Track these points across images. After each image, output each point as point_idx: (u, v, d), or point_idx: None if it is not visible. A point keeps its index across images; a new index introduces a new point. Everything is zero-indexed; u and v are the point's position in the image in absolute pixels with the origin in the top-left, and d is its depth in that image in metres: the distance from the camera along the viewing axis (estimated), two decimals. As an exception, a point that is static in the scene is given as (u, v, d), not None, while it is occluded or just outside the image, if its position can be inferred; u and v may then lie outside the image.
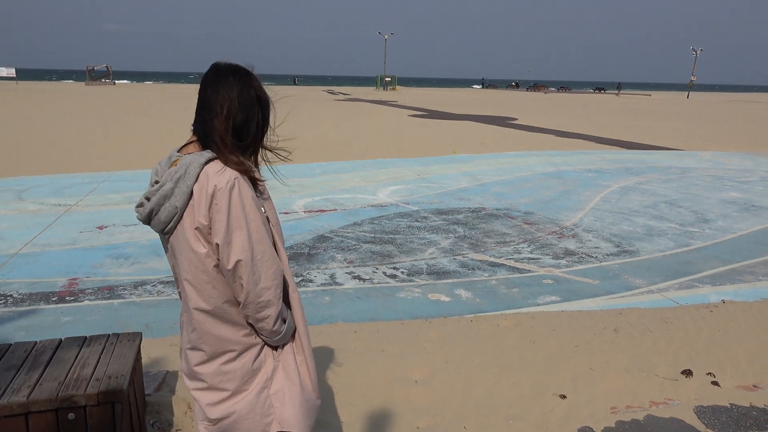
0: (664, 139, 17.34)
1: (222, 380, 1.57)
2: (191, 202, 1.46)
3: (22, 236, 5.81)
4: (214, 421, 1.60)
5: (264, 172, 1.67)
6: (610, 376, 3.12)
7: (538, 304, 4.37)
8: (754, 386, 3.09)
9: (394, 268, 5.13)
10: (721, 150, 14.88)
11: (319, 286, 4.66)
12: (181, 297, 1.62)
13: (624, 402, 2.90)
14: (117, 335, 2.60)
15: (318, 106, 30.82)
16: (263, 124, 1.59)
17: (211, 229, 1.46)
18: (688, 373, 3.17)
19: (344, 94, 51.62)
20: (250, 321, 1.55)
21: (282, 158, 1.67)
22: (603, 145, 15.37)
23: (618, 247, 5.90)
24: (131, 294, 4.40)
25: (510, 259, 5.44)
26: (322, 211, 7.18)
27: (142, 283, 4.63)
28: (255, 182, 1.55)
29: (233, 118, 1.49)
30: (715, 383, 3.09)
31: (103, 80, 59.83)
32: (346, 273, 4.98)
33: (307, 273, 4.96)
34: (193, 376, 1.62)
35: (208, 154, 1.48)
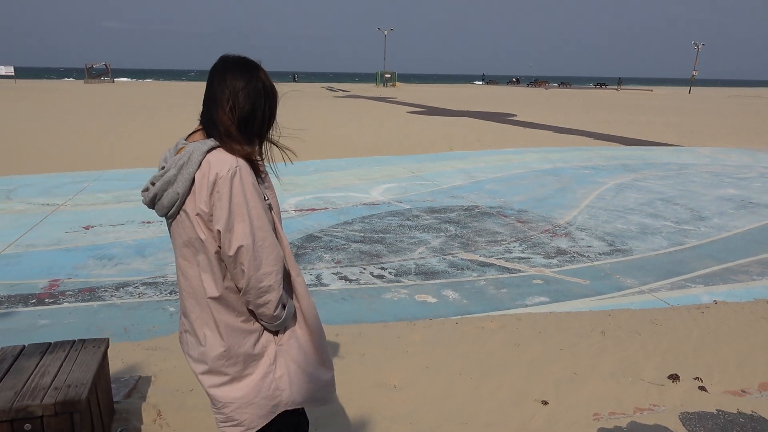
0: (664, 134, 17.22)
1: (223, 364, 1.59)
2: (193, 188, 1.50)
3: (6, 237, 5.74)
4: (219, 405, 1.63)
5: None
6: (595, 381, 3.04)
7: (527, 305, 4.29)
8: (743, 391, 3.00)
9: (382, 269, 5.05)
10: (721, 146, 14.76)
11: (304, 287, 4.58)
12: (180, 283, 1.64)
13: (607, 408, 2.82)
14: (82, 341, 2.53)
15: (315, 103, 30.70)
16: (270, 117, 1.62)
17: (212, 215, 1.49)
18: (674, 377, 3.08)
19: (343, 90, 51.48)
20: (250, 307, 1.57)
21: (288, 157, 1.71)
22: (601, 141, 15.26)
23: (611, 246, 5.81)
24: (112, 296, 4.32)
25: (500, 258, 5.36)
26: (313, 209, 7.10)
27: (124, 285, 4.55)
28: (257, 170, 1.57)
29: (239, 109, 1.53)
30: (702, 388, 3.00)
31: (102, 78, 59.74)
32: (333, 273, 4.90)
33: (293, 273, 4.88)
34: (195, 359, 1.66)
35: (211, 142, 1.52)
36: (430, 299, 4.39)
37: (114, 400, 2.69)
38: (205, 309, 1.58)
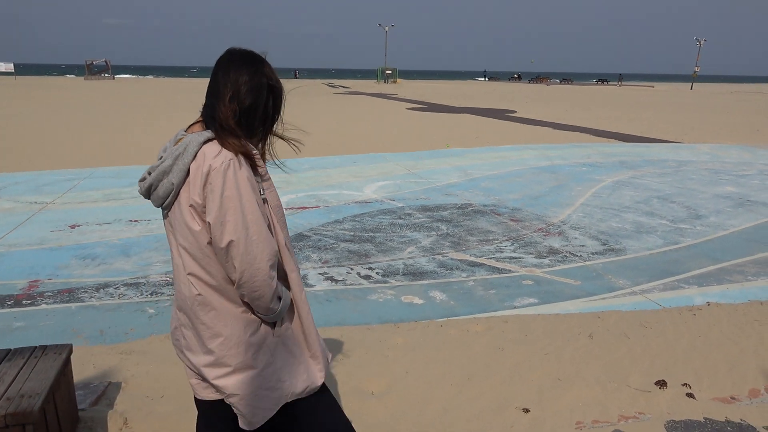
0: (664, 131, 17.07)
1: (224, 355, 1.58)
2: (188, 179, 1.50)
3: (-10, 236, 5.66)
4: (227, 395, 1.61)
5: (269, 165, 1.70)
6: (579, 387, 2.95)
7: (515, 307, 4.19)
8: (732, 398, 2.91)
9: (370, 269, 4.96)
10: (722, 142, 14.62)
11: (288, 287, 4.49)
12: (176, 276, 1.63)
13: (591, 416, 2.72)
14: (44, 348, 2.44)
15: (315, 99, 30.57)
16: (273, 113, 1.61)
17: (204, 207, 1.49)
18: (662, 384, 2.99)
19: (344, 87, 51.31)
20: (245, 299, 1.57)
21: (294, 148, 1.71)
22: (600, 138, 15.13)
23: (604, 245, 5.70)
24: (91, 297, 4.24)
25: (491, 258, 5.26)
26: (304, 208, 7.01)
27: (105, 286, 4.47)
28: (254, 164, 1.55)
29: (240, 102, 1.52)
30: (690, 395, 2.90)
31: (103, 75, 59.67)
32: (319, 274, 4.81)
33: (278, 274, 4.79)
34: (194, 352, 1.64)
35: (208, 133, 1.52)
36: (417, 300, 4.29)
37: (79, 408, 2.60)
38: (205, 296, 1.57)
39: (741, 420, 2.69)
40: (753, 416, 2.71)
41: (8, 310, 3.99)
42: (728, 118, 22.73)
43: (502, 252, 5.44)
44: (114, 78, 61.41)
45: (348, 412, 2.73)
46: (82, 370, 3.04)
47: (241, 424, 1.63)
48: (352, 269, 4.94)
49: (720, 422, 2.68)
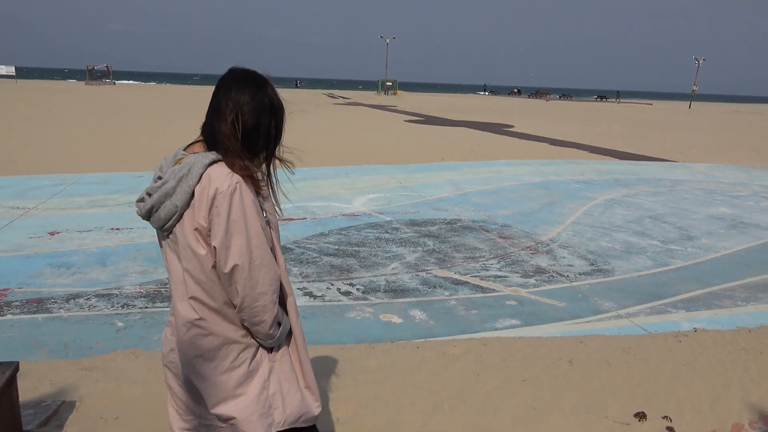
0: (660, 149, 17.03)
1: (220, 380, 1.56)
2: (192, 202, 1.48)
3: (-35, 241, 5.53)
4: (224, 418, 1.59)
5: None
6: (554, 418, 2.82)
7: (496, 329, 4.07)
8: (713, 433, 2.78)
9: (351, 285, 4.84)
10: (718, 162, 14.57)
11: (265, 303, 4.36)
12: (174, 298, 1.60)
13: (565, 449, 2.60)
14: (-13, 366, 2.32)
15: (314, 109, 30.58)
16: (276, 134, 1.59)
17: (210, 231, 1.47)
18: (641, 416, 2.86)
19: (344, 98, 51.41)
20: (245, 324, 1.56)
21: (288, 169, 1.68)
22: (596, 154, 15.07)
23: (592, 265, 5.59)
24: (60, 308, 4.11)
25: (476, 276, 5.14)
26: (291, 219, 6.89)
27: (76, 296, 4.34)
28: (258, 185, 1.56)
29: (242, 123, 1.50)
30: (670, 429, 2.78)
31: (104, 80, 59.78)
32: (298, 289, 4.69)
33: (256, 288, 4.66)
34: (187, 376, 1.62)
35: (212, 155, 1.49)
36: (396, 320, 4.17)
37: (25, 429, 2.47)
38: (205, 320, 1.55)
39: (721, 457, 2.57)
40: (734, 453, 2.58)
41: (-29, 320, 3.86)
42: (725, 138, 22.74)
43: (487, 270, 5.32)
44: (115, 83, 61.52)
45: (310, 439, 2.60)
46: (37, 387, 2.92)
47: None
48: (332, 285, 4.82)
49: (699, 459, 2.55)
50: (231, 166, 1.48)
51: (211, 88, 1.63)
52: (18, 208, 6.94)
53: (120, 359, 3.35)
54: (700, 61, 62.53)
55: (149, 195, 1.57)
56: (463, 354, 3.55)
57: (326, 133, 17.71)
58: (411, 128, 21.20)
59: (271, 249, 1.57)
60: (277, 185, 1.71)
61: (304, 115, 24.27)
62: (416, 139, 17.10)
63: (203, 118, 1.59)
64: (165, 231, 1.56)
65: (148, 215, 1.57)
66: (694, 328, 4.17)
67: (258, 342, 1.61)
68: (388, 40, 65.32)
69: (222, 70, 1.61)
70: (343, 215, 7.22)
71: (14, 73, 49.02)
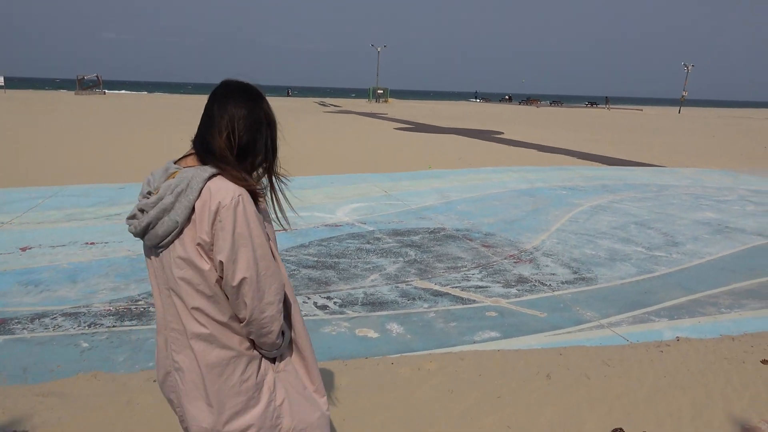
0: (649, 154, 17.05)
1: (229, 395, 1.54)
2: (193, 217, 1.45)
3: (-68, 259, 5.38)
4: None
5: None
6: (529, 437, 2.72)
7: (475, 342, 3.96)
8: (693, 450, 2.69)
9: (328, 298, 4.72)
10: (706, 167, 14.58)
11: (238, 318, 4.24)
12: (164, 318, 1.57)
13: (538, 471, 2.49)
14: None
15: (304, 117, 30.51)
16: (273, 147, 1.59)
17: (213, 245, 1.45)
18: (618, 432, 2.76)
19: (335, 105, 51.41)
20: (251, 337, 1.56)
21: (284, 180, 1.69)
22: (584, 160, 15.06)
23: (576, 273, 5.50)
24: (23, 329, 3.96)
25: (456, 287, 5.04)
26: (271, 231, 6.77)
27: (42, 315, 4.20)
28: (256, 198, 1.54)
29: (239, 137, 1.49)
30: (648, 446, 2.68)
31: (94, 90, 59.52)
32: (274, 303, 4.56)
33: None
34: (191, 399, 1.57)
35: (210, 168, 1.47)
36: (372, 334, 4.06)
37: (-34, 462, 2.34)
38: (205, 338, 1.53)
39: (700, 476, 2.46)
40: (714, 472, 2.49)
41: (-71, 343, 3.72)
42: (713, 142, 22.84)
43: (468, 280, 5.22)
44: (105, 93, 61.25)
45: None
46: (-12, 415, 2.78)
47: None
48: (309, 298, 4.70)
49: (677, 479, 2.45)
50: (231, 179, 1.47)
51: (203, 98, 1.64)
52: (-8, 223, 6.79)
53: (80, 383, 3.22)
54: (689, 67, 63.03)
55: (142, 211, 1.52)
56: (439, 369, 3.45)
57: (315, 141, 17.62)
58: (400, 136, 21.15)
59: None
60: (282, 196, 1.72)
61: (294, 124, 24.18)
62: (404, 147, 17.04)
63: (191, 129, 1.58)
64: (161, 248, 1.51)
65: (144, 232, 1.52)
66: (677, 337, 4.08)
67: (261, 353, 1.61)
68: (379, 49, 65.51)
69: (215, 79, 1.58)
70: (325, 226, 7.11)
71: (3, 84, 48.66)
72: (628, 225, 7.58)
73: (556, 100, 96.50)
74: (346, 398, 3.07)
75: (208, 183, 1.46)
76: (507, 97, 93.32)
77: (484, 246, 6.38)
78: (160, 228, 1.47)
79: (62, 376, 3.34)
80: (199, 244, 1.46)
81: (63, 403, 2.96)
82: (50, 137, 16.74)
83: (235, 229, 1.44)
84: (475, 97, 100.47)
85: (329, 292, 4.86)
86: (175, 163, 1.55)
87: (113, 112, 30.47)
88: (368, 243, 6.37)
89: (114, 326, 4.06)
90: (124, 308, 4.39)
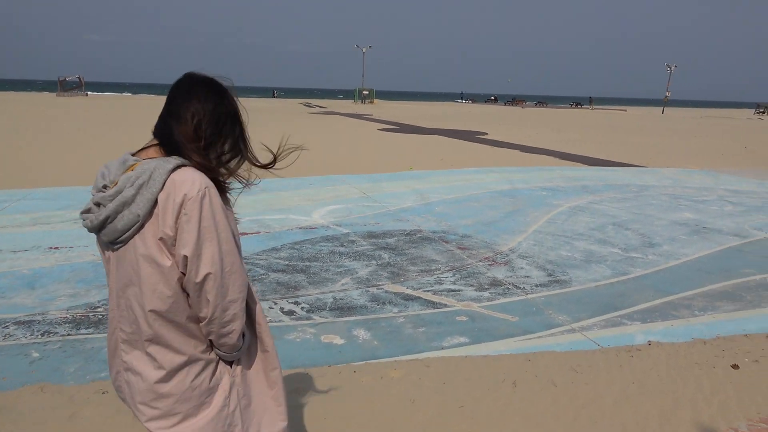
0: (631, 155, 17.11)
1: (174, 401, 1.48)
2: (155, 211, 1.39)
3: None
4: None
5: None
6: (489, 449, 2.61)
7: (442, 348, 3.86)
8: (657, 460, 2.60)
9: (295, 303, 4.60)
10: (687, 166, 14.65)
11: (199, 325, 4.10)
12: (117, 316, 1.51)
13: (497, 485, 2.39)
14: None
15: (287, 119, 30.31)
16: (239, 140, 1.53)
17: (176, 240, 1.39)
18: (582, 443, 2.67)
19: (320, 107, 51.19)
20: (211, 337, 1.49)
21: (245, 183, 1.61)
22: (567, 161, 15.06)
23: (550, 276, 5.43)
24: (-28, 338, 3.79)
25: (428, 291, 4.94)
26: (243, 234, 6.62)
27: (-7, 324, 4.03)
28: (223, 192, 1.50)
29: (203, 130, 1.45)
30: (611, 457, 2.59)
31: (76, 91, 58.74)
32: (239, 309, 4.42)
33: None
34: (140, 402, 1.51)
35: (175, 160, 1.41)
36: (338, 341, 3.94)
37: None
38: (165, 337, 1.46)
39: (663, 489, 2.38)
40: (677, 484, 2.40)
41: None
42: (695, 142, 23.02)
43: (441, 284, 5.12)
44: (87, 95, 60.47)
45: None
46: None
47: None
48: (275, 304, 4.57)
49: (640, 492, 2.36)
50: (198, 169, 1.42)
51: None
52: (-47, 227, 6.56)
53: (25, 396, 3.07)
54: (672, 68, 63.72)
55: (98, 205, 1.44)
56: (403, 377, 3.34)
57: (296, 143, 17.42)
58: (383, 137, 21.05)
59: None
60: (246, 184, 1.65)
61: (277, 125, 23.98)
62: (387, 148, 16.94)
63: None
64: (119, 243, 1.44)
65: (100, 227, 1.44)
66: (648, 341, 4.01)
67: (219, 356, 1.54)
68: (364, 49, 65.40)
69: None
70: (300, 228, 6.98)
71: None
72: (605, 226, 7.53)
73: (542, 101, 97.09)
74: (301, 409, 2.95)
75: (173, 175, 1.39)
76: (493, 97, 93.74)
77: (459, 248, 6.29)
78: (120, 222, 1.40)
79: (7, 388, 3.18)
80: (161, 239, 1.40)
81: (2, 418, 2.81)
82: (23, 139, 16.41)
83: (201, 222, 1.38)
84: (461, 98, 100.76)
85: (297, 297, 4.73)
86: (133, 155, 1.48)
87: (93, 114, 30.04)
88: (342, 246, 6.25)
89: (69, 335, 3.90)
90: (82, 315, 4.23)
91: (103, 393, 3.09)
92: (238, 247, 1.55)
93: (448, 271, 5.50)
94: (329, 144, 17.66)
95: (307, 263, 5.61)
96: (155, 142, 1.49)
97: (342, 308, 4.51)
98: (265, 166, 1.63)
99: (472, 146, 18.43)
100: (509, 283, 5.18)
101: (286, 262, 5.62)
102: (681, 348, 3.88)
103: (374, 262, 5.72)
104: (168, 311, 1.45)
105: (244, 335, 1.56)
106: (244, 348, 1.57)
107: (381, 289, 4.97)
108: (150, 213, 1.40)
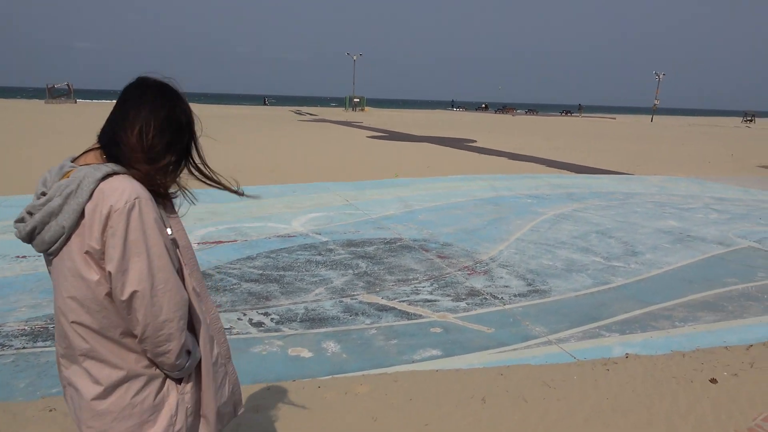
0: (619, 162, 17.11)
1: (115, 418, 1.39)
2: (82, 222, 1.31)
3: None
4: None
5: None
6: (451, 471, 2.48)
7: (413, 361, 3.72)
8: (628, 482, 2.48)
9: (265, 314, 4.45)
10: (674, 174, 14.64)
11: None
12: (61, 329, 1.42)
13: None
14: None
15: (277, 126, 30.18)
16: (187, 148, 1.47)
17: (104, 254, 1.31)
18: (549, 464, 2.54)
19: (311, 114, 51.12)
20: (148, 355, 1.41)
21: (190, 200, 1.53)
22: (554, 169, 15.01)
23: (530, 285, 5.31)
24: None
25: (404, 301, 4.81)
26: (220, 242, 6.48)
27: (-55, 337, 3.85)
28: (166, 198, 1.44)
29: (152, 136, 1.37)
30: (580, 478, 2.47)
31: (65, 99, 58.28)
32: (205, 321, 4.27)
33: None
34: (82, 419, 1.43)
35: (106, 167, 1.33)
36: (305, 354, 3.79)
37: None
38: (100, 353, 1.38)
39: None
40: (647, 508, 2.28)
41: None
42: (683, 150, 23.11)
43: (417, 294, 5.00)
44: (76, 102, 60.01)
45: None
46: None
47: None
48: (244, 315, 4.42)
49: None
50: (136, 177, 1.35)
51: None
52: None
53: (-33, 414, 2.90)
54: (661, 76, 64.25)
55: (30, 214, 1.36)
56: (368, 393, 3.20)
57: (285, 150, 17.31)
58: (372, 144, 20.96)
59: (177, 271, 1.42)
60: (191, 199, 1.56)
61: (266, 132, 23.84)
62: (374, 155, 16.84)
63: None
64: (50, 255, 1.37)
65: (29, 238, 1.37)
66: (626, 354, 3.89)
67: (164, 373, 1.45)
68: (355, 57, 65.50)
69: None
70: (278, 236, 6.83)
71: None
72: (588, 234, 7.44)
73: (532, 109, 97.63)
74: (260, 426, 2.80)
75: (101, 184, 1.31)
76: (483, 105, 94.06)
77: (439, 257, 6.17)
78: (47, 234, 1.33)
79: (-51, 406, 3.01)
80: (87, 252, 1.32)
81: (-63, 440, 2.65)
82: (2, 146, 16.17)
83: (128, 236, 1.30)
84: (452, 106, 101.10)
85: (268, 307, 4.58)
86: (73, 160, 1.41)
87: (80, 120, 29.76)
88: (319, 254, 6.11)
89: (24, 348, 3.73)
90: (41, 327, 4.06)
91: (50, 410, 2.94)
92: (185, 260, 1.47)
93: (426, 280, 5.38)
94: (317, 151, 17.53)
95: (282, 272, 5.47)
96: (97, 145, 1.42)
97: (313, 319, 4.37)
98: (211, 180, 1.55)
99: (460, 153, 18.37)
100: (487, 293, 5.06)
101: (260, 272, 5.47)
102: (659, 361, 3.77)
103: (351, 271, 5.58)
104: (100, 327, 1.38)
105: (190, 352, 1.46)
106: (191, 366, 1.48)
107: (355, 299, 4.83)
108: (77, 224, 1.32)
